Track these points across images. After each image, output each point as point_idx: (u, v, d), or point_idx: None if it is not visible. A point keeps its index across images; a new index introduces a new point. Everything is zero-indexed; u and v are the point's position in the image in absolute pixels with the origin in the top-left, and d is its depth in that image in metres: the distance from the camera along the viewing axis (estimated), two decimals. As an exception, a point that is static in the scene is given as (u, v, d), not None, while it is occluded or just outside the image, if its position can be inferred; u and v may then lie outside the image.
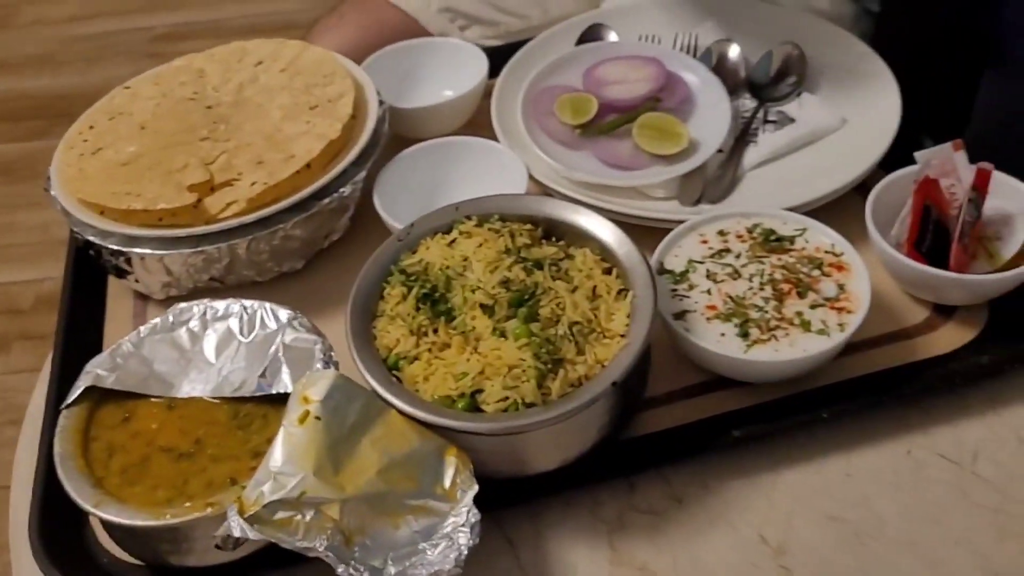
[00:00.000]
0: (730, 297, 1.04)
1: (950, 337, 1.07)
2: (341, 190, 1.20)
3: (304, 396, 0.89)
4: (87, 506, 0.89)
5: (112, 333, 1.19)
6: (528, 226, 1.05)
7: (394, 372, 0.96)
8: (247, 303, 1.02)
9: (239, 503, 0.83)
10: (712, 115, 1.29)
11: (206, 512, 0.86)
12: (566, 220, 1.06)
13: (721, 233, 1.11)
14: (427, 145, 1.29)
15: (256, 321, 1.01)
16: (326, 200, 1.19)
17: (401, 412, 0.91)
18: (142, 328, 1.02)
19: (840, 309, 1.01)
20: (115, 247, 1.16)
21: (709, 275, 1.06)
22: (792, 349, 0.99)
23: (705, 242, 1.10)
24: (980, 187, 1.07)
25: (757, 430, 1.00)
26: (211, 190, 1.16)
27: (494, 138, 1.30)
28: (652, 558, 0.94)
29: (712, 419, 1.02)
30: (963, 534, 0.93)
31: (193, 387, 0.99)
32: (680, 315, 1.03)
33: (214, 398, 0.98)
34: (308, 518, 0.83)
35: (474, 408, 0.92)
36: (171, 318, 1.03)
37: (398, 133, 1.35)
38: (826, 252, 1.07)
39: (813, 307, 1.01)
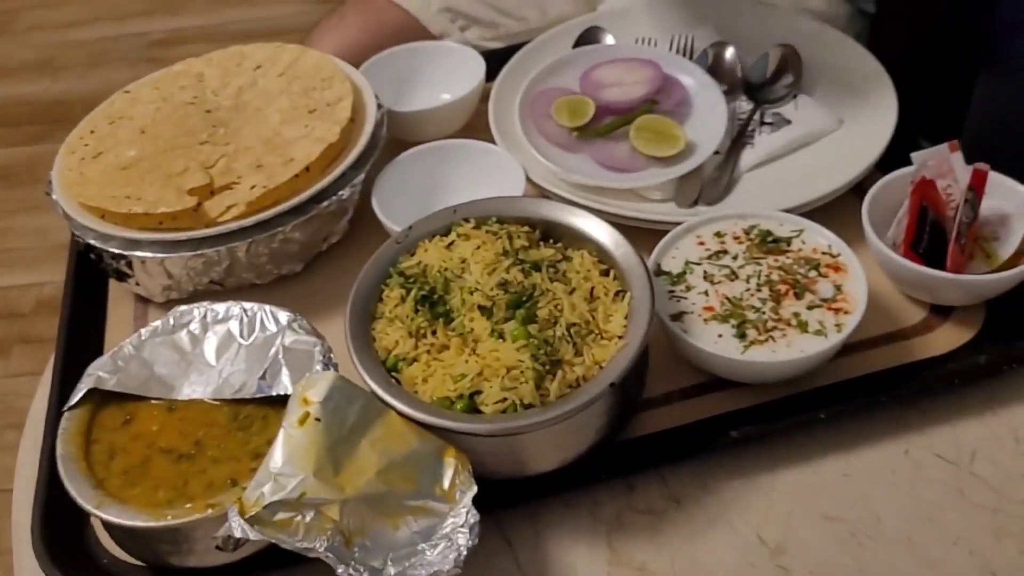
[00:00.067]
0: (727, 298, 1.04)
1: (947, 337, 1.08)
2: (340, 193, 1.20)
3: (304, 397, 0.90)
4: (89, 507, 0.89)
5: (113, 336, 1.20)
6: (526, 228, 1.06)
7: (393, 374, 0.96)
8: (247, 306, 1.03)
9: (240, 504, 0.83)
10: (709, 117, 1.30)
11: (207, 513, 0.87)
12: (564, 222, 1.06)
13: (718, 235, 1.11)
14: (425, 148, 1.29)
15: (256, 323, 1.02)
16: (325, 203, 1.19)
17: (400, 413, 0.92)
18: (143, 331, 1.03)
19: (837, 310, 1.01)
20: (116, 250, 1.16)
21: (706, 276, 1.06)
22: (789, 350, 0.99)
23: (702, 244, 1.10)
24: (977, 187, 1.08)
25: (755, 431, 1.00)
26: (211, 193, 1.17)
27: (491, 141, 1.30)
28: (651, 558, 0.94)
29: (710, 420, 1.02)
30: (961, 534, 0.94)
31: (193, 389, 0.99)
32: (677, 316, 1.03)
33: (214, 400, 0.98)
34: (308, 519, 0.84)
35: (473, 409, 0.92)
36: (172, 321, 1.03)
37: (396, 136, 1.35)
38: (823, 253, 1.07)
39: (810, 308, 1.02)
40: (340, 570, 0.82)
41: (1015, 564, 0.91)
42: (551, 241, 1.06)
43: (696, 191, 1.23)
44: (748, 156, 1.28)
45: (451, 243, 1.05)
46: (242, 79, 1.34)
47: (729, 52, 1.40)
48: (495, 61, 1.42)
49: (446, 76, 1.43)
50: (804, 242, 1.08)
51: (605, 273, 1.02)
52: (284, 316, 1.02)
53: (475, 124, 1.37)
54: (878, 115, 1.27)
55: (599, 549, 0.95)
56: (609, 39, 1.47)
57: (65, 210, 1.20)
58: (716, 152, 1.27)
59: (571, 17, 1.53)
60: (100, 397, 0.99)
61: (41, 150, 3.37)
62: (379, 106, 1.30)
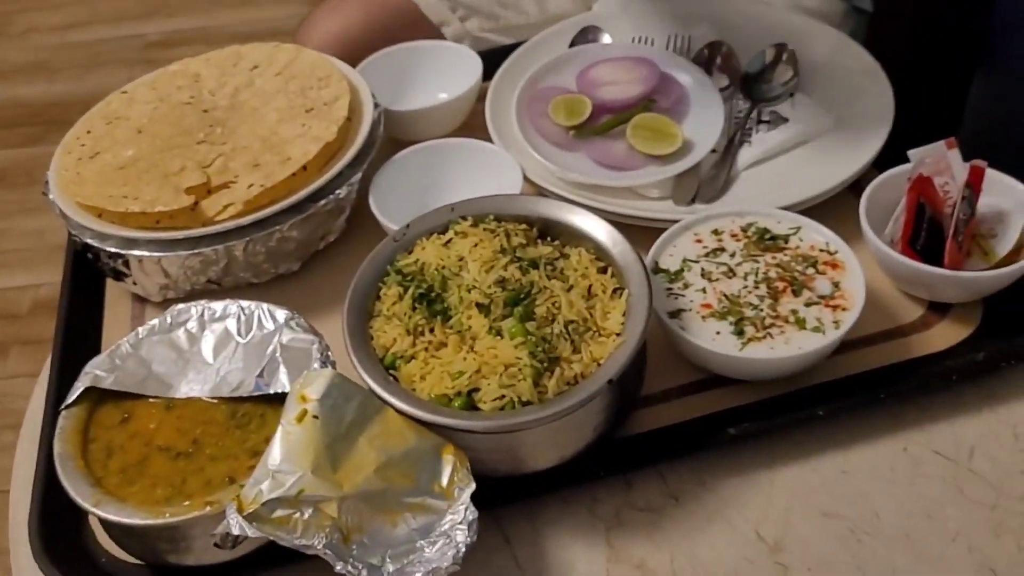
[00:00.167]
0: (725, 295, 1.04)
1: (945, 334, 1.08)
2: (337, 192, 1.20)
3: (302, 395, 0.90)
4: (87, 505, 0.89)
5: (110, 336, 1.20)
6: (523, 226, 1.06)
7: (391, 371, 0.96)
8: (245, 304, 1.03)
9: (238, 501, 0.83)
10: (706, 115, 1.30)
11: (205, 511, 0.86)
12: (561, 220, 1.06)
13: (715, 232, 1.11)
14: (422, 147, 1.29)
15: (254, 322, 1.02)
16: (322, 202, 1.19)
17: (398, 411, 0.92)
18: (140, 329, 1.03)
19: (835, 307, 1.01)
20: (113, 249, 1.16)
21: (704, 274, 1.06)
22: (787, 347, 0.99)
23: (700, 241, 1.10)
24: (974, 184, 1.08)
25: (753, 428, 1.00)
26: (208, 193, 1.17)
27: (489, 140, 1.30)
28: (649, 555, 0.94)
29: (708, 417, 1.02)
30: (960, 530, 0.94)
31: (191, 387, 0.99)
32: (675, 314, 1.03)
33: (212, 398, 0.98)
34: (306, 516, 0.84)
35: (471, 406, 0.92)
36: (169, 319, 1.03)
37: (393, 135, 1.35)
38: (820, 250, 1.07)
39: (808, 305, 1.02)
40: (338, 567, 0.82)
41: (1014, 560, 0.91)
42: (548, 239, 1.06)
43: (693, 189, 1.23)
44: (745, 154, 1.28)
45: (449, 241, 1.05)
46: (239, 79, 1.34)
47: (726, 51, 1.40)
48: (492, 60, 1.42)
49: (443, 75, 1.43)
50: (802, 239, 1.08)
51: (603, 271, 1.02)
52: (282, 314, 1.02)
53: (472, 123, 1.37)
54: (875, 113, 1.27)
55: (598, 546, 0.95)
56: (606, 38, 1.47)
57: (62, 209, 1.19)
58: (713, 150, 1.27)
59: (569, 13, 1.54)
60: (98, 396, 0.98)
61: (38, 152, 3.36)
62: (376, 105, 1.30)
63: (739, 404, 1.03)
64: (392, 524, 0.87)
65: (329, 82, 1.30)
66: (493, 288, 0.98)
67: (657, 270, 1.07)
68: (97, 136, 1.27)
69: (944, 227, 1.07)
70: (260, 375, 0.98)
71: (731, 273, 1.06)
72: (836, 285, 1.03)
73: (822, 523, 0.95)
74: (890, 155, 1.18)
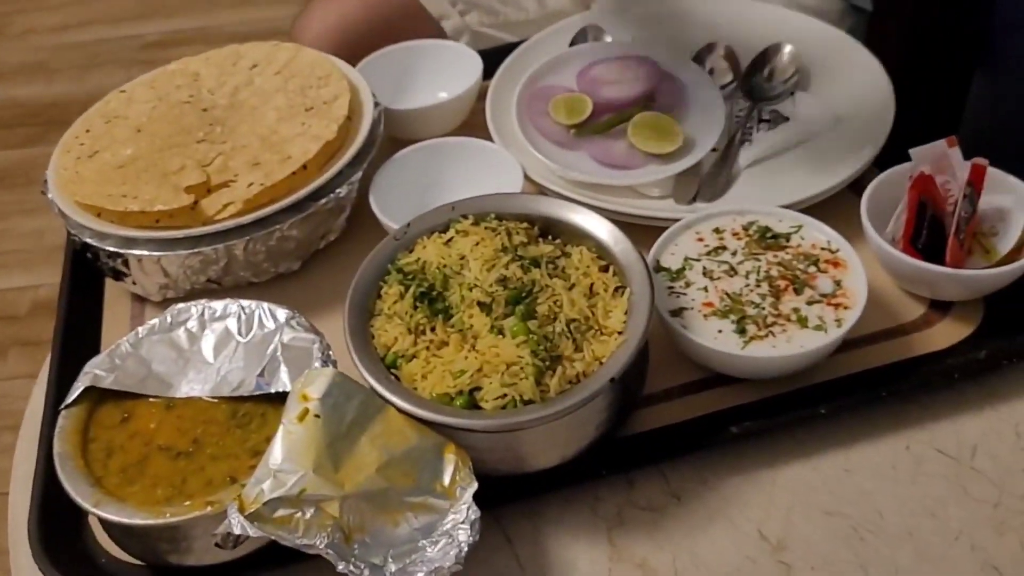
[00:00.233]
0: (727, 294, 1.04)
1: (947, 333, 1.07)
2: (337, 191, 1.20)
3: (303, 394, 0.89)
4: (87, 505, 0.89)
5: (109, 336, 1.20)
6: (525, 225, 1.06)
7: (392, 370, 0.96)
8: (245, 303, 1.03)
9: (239, 501, 0.83)
10: (706, 114, 1.30)
11: (206, 510, 0.86)
12: (562, 218, 1.06)
13: (717, 231, 1.11)
14: (422, 146, 1.29)
15: (254, 321, 1.01)
16: (322, 201, 1.19)
17: (400, 410, 0.91)
18: (140, 329, 1.02)
19: (837, 305, 1.01)
20: (112, 249, 1.16)
21: (705, 272, 1.06)
22: (789, 345, 0.99)
23: (701, 240, 1.10)
24: (975, 183, 1.07)
25: (755, 426, 1.00)
26: (208, 192, 1.17)
27: (489, 139, 1.30)
28: (651, 554, 0.94)
29: (710, 416, 1.02)
30: (962, 529, 0.93)
31: (192, 387, 0.99)
32: (677, 312, 1.03)
33: (213, 397, 0.98)
34: (308, 515, 0.83)
35: (472, 405, 0.92)
36: (169, 319, 1.03)
37: (393, 135, 1.35)
38: (822, 249, 1.07)
39: (810, 303, 1.02)
40: (340, 567, 0.82)
41: (1017, 558, 0.91)
42: (550, 237, 1.06)
43: (694, 188, 1.22)
44: (746, 153, 1.28)
45: (450, 240, 1.05)
46: (238, 78, 1.34)
47: (726, 49, 1.40)
48: (492, 59, 1.42)
49: (443, 74, 1.43)
50: (803, 238, 1.08)
51: (604, 269, 1.02)
52: (282, 313, 1.01)
53: (472, 122, 1.37)
54: (876, 112, 1.27)
55: (600, 545, 0.95)
56: (606, 37, 1.47)
57: (61, 209, 1.19)
58: (714, 149, 1.27)
59: (568, 11, 1.54)
60: (97, 395, 0.98)
61: (36, 152, 3.36)
62: (376, 104, 1.30)
63: (741, 403, 1.02)
64: (394, 524, 0.87)
65: (329, 81, 1.30)
66: (495, 287, 0.98)
67: (659, 269, 1.07)
68: (96, 135, 1.27)
69: (945, 225, 1.07)
70: (261, 374, 0.98)
71: (733, 272, 1.06)
72: (838, 284, 1.03)
73: (824, 522, 0.95)
74: (891, 154, 1.17)
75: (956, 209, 1.07)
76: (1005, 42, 1.43)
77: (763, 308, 1.02)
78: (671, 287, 1.05)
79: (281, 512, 0.83)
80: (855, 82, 1.33)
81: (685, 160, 1.24)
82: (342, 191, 1.20)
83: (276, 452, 0.86)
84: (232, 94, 1.31)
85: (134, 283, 1.20)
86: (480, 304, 0.97)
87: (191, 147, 1.22)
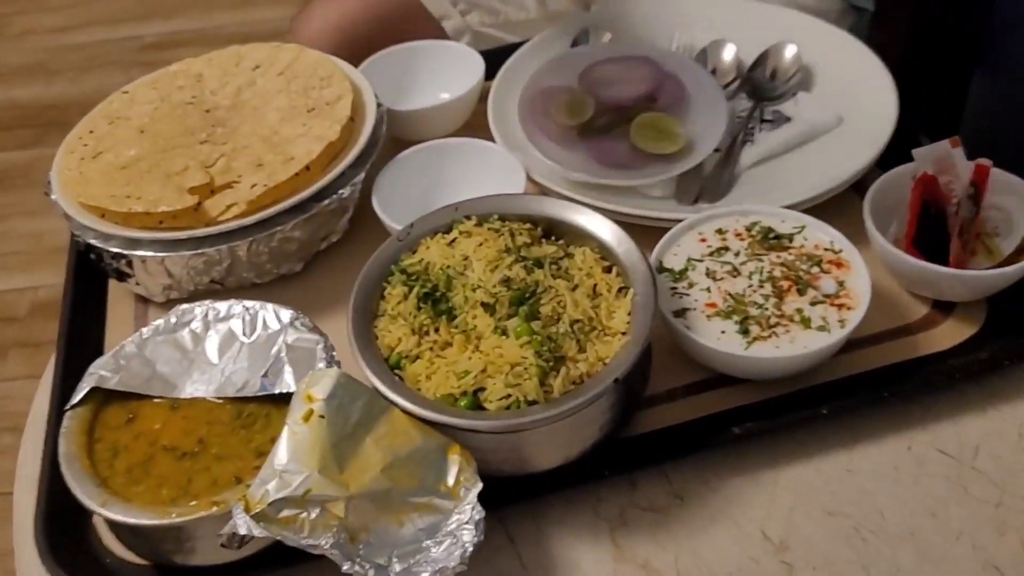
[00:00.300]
0: (730, 295, 1.04)
1: (950, 333, 1.08)
2: (340, 192, 1.20)
3: (308, 395, 0.90)
4: (93, 505, 0.89)
5: (113, 336, 1.19)
6: (528, 225, 1.06)
7: (396, 371, 0.96)
8: (249, 304, 1.03)
9: (245, 501, 0.83)
10: (709, 115, 1.30)
11: (211, 511, 0.86)
12: (565, 219, 1.06)
13: (719, 231, 1.11)
14: (425, 147, 1.29)
15: (258, 322, 1.02)
16: (325, 202, 1.19)
17: (404, 411, 0.91)
18: (144, 330, 1.03)
19: (840, 306, 1.01)
20: (116, 250, 1.16)
21: (708, 273, 1.06)
22: (792, 346, 0.99)
23: (704, 240, 1.10)
24: (979, 183, 1.08)
25: (758, 427, 1.00)
26: (211, 193, 1.17)
27: (491, 140, 1.30)
28: (654, 555, 0.94)
29: (713, 416, 1.02)
30: (964, 529, 0.94)
31: (196, 388, 0.99)
32: (680, 313, 1.03)
33: (217, 398, 0.98)
34: (313, 516, 0.84)
35: (476, 406, 0.92)
36: (173, 319, 1.03)
37: (396, 135, 1.35)
38: (825, 249, 1.07)
39: (813, 304, 1.02)
40: (345, 567, 0.82)
41: (1018, 558, 0.91)
42: (553, 238, 1.06)
43: (697, 188, 1.23)
44: (749, 153, 1.28)
45: (453, 240, 1.05)
46: (241, 79, 1.34)
47: (728, 50, 1.40)
48: (494, 60, 1.42)
49: (445, 75, 1.43)
50: (806, 238, 1.08)
51: (607, 270, 1.02)
52: (286, 314, 1.02)
53: (474, 123, 1.37)
54: (878, 112, 1.27)
55: (603, 546, 0.95)
56: (608, 37, 1.47)
57: (65, 210, 1.19)
58: (716, 150, 1.27)
59: (569, 10, 1.53)
60: (102, 396, 0.98)
61: (35, 154, 3.36)
62: (379, 105, 1.30)
63: (744, 403, 1.03)
64: (398, 524, 0.87)
65: (331, 82, 1.30)
66: (498, 287, 0.98)
67: (661, 269, 1.07)
68: (99, 136, 1.27)
69: (949, 226, 1.08)
70: (265, 375, 0.98)
71: (736, 272, 1.06)
72: (841, 284, 1.03)
73: (826, 522, 0.95)
74: (894, 154, 1.18)
75: (959, 210, 1.07)
76: (1005, 42, 1.44)
77: (766, 309, 1.02)
78: (674, 288, 1.05)
79: (286, 512, 0.83)
80: (858, 82, 1.34)
81: (687, 160, 1.24)
82: (345, 192, 1.20)
83: (281, 453, 0.86)
84: (235, 95, 1.31)
85: (138, 284, 1.20)
86: (484, 305, 0.97)
87: (194, 148, 1.22)
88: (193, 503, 0.88)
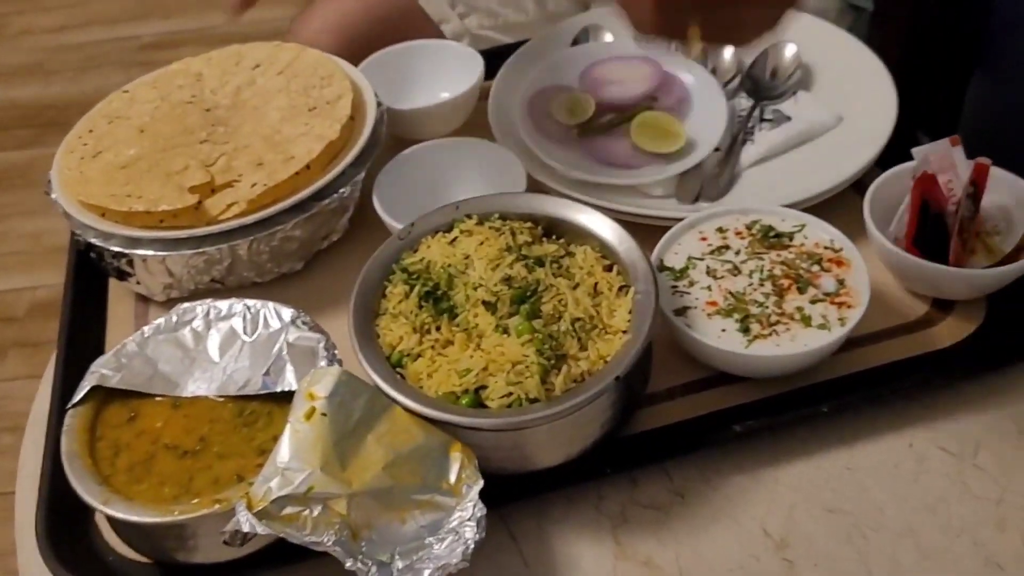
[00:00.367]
0: (730, 293, 1.04)
1: (949, 331, 1.08)
2: (341, 191, 1.20)
3: (310, 392, 0.90)
4: (95, 503, 0.89)
5: (114, 336, 1.20)
6: (529, 224, 1.06)
7: (398, 369, 0.96)
8: (250, 302, 1.03)
9: (247, 499, 0.83)
10: (709, 114, 1.30)
11: (214, 508, 0.86)
12: (566, 218, 1.06)
13: (720, 230, 1.11)
14: (425, 146, 1.29)
15: (259, 320, 1.02)
16: (326, 201, 1.19)
17: (406, 408, 0.92)
18: (146, 328, 1.03)
19: (840, 304, 1.01)
20: (117, 249, 1.16)
21: (709, 272, 1.07)
22: (793, 344, 0.99)
23: (704, 239, 1.10)
24: (978, 182, 1.08)
25: (758, 425, 1.00)
26: (211, 192, 1.17)
27: (492, 139, 1.30)
28: (656, 552, 0.94)
29: (713, 414, 1.02)
30: (964, 526, 0.94)
31: (198, 386, 0.99)
32: (681, 311, 1.03)
33: (219, 396, 0.98)
34: (316, 513, 0.84)
35: (478, 404, 0.92)
36: (175, 318, 1.03)
37: (396, 134, 1.35)
38: (825, 248, 1.07)
39: (813, 302, 1.02)
40: (348, 564, 0.83)
41: (1019, 555, 0.92)
42: (554, 237, 1.06)
43: (697, 187, 1.23)
44: (749, 152, 1.28)
45: (454, 239, 1.05)
46: (241, 78, 1.34)
47: (728, 49, 1.40)
48: (494, 59, 1.42)
49: (445, 74, 1.43)
50: (806, 237, 1.09)
51: (608, 268, 1.02)
52: (287, 313, 1.02)
53: (475, 122, 1.37)
54: (878, 111, 1.27)
55: (604, 543, 0.95)
56: (608, 37, 1.47)
57: (65, 209, 1.19)
58: (717, 149, 1.27)
59: (568, 12, 1.54)
60: (104, 395, 0.98)
61: (34, 154, 3.37)
62: (379, 104, 1.30)
63: (744, 402, 1.03)
64: (401, 521, 0.87)
65: (331, 81, 1.30)
66: (499, 286, 0.98)
67: (662, 268, 1.08)
68: (99, 135, 1.27)
69: (948, 224, 1.08)
70: (267, 373, 0.98)
71: (736, 271, 1.06)
72: (841, 282, 1.03)
73: (827, 519, 0.95)
74: (893, 153, 1.18)
75: (959, 208, 1.07)
76: (1005, 41, 1.44)
77: (767, 307, 1.02)
78: (675, 286, 1.06)
79: (289, 510, 0.84)
80: (857, 81, 1.34)
81: (688, 159, 1.24)
82: (345, 191, 1.21)
83: (283, 450, 0.86)
84: (235, 94, 1.31)
85: (138, 283, 1.20)
86: (485, 303, 0.98)
87: (194, 147, 1.22)
88: (195, 501, 0.88)
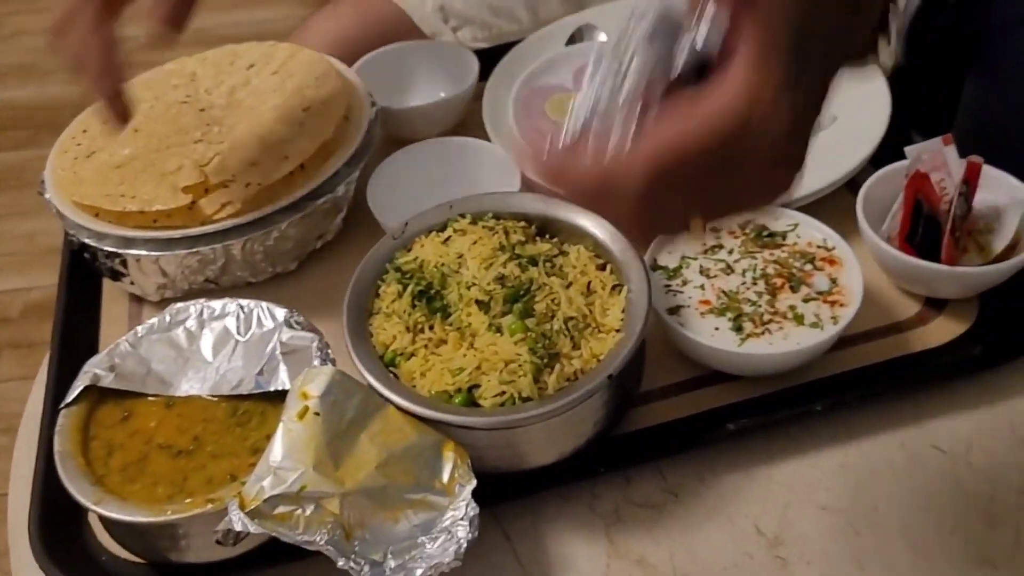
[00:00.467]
0: (723, 292, 1.04)
1: (942, 330, 1.08)
2: (335, 190, 1.20)
3: (303, 392, 0.90)
4: (88, 503, 0.89)
5: (107, 336, 1.20)
6: (522, 223, 1.06)
7: (391, 368, 0.96)
8: (244, 302, 1.03)
9: (240, 498, 0.83)
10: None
11: (207, 508, 0.86)
12: (560, 217, 1.06)
13: (714, 229, 1.11)
14: (419, 145, 1.29)
15: (253, 320, 1.02)
16: (320, 200, 1.19)
17: (399, 408, 0.92)
18: (139, 328, 1.02)
19: (833, 303, 1.02)
20: (111, 249, 1.16)
21: (702, 271, 1.07)
22: (786, 342, 0.99)
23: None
24: (971, 181, 1.08)
25: (751, 423, 1.00)
26: (205, 192, 1.17)
27: (486, 138, 1.30)
28: (649, 551, 0.95)
29: (707, 413, 1.02)
30: (957, 523, 0.94)
31: (191, 386, 0.99)
32: (674, 310, 1.03)
33: (212, 396, 0.98)
34: (308, 512, 0.84)
35: (471, 403, 0.92)
36: (168, 318, 1.03)
37: (390, 134, 1.35)
38: (818, 247, 1.07)
39: (806, 301, 1.02)
40: (341, 563, 0.83)
41: (1011, 552, 0.92)
42: (547, 236, 1.06)
43: (691, 186, 1.23)
44: (741, 152, 1.28)
45: (447, 239, 1.05)
46: (235, 78, 1.34)
47: (722, 49, 1.40)
48: (488, 59, 1.43)
49: (440, 74, 1.43)
50: (799, 236, 1.09)
51: (602, 267, 1.02)
52: (281, 312, 1.02)
53: (469, 121, 1.37)
54: (871, 110, 1.27)
55: (598, 542, 0.96)
56: (602, 37, 1.47)
57: (59, 209, 1.19)
58: (710, 148, 1.27)
59: (562, 18, 1.53)
60: (97, 394, 0.98)
61: (29, 155, 3.36)
62: (373, 104, 1.30)
63: (737, 400, 1.03)
64: (394, 520, 0.87)
65: (326, 81, 1.30)
66: (492, 285, 0.98)
67: (656, 267, 1.08)
68: (93, 135, 1.27)
69: (941, 223, 1.08)
70: (260, 373, 0.98)
71: (729, 270, 1.06)
72: (834, 281, 1.04)
73: (821, 517, 0.96)
74: (886, 152, 1.18)
75: (951, 207, 1.07)
76: (1003, 41, 1.44)
77: (760, 306, 1.02)
78: (668, 285, 1.06)
79: (281, 509, 0.84)
80: (851, 80, 1.33)
81: (681, 159, 1.24)
82: (340, 191, 1.21)
83: (276, 449, 0.86)
84: (229, 94, 1.31)
85: (132, 283, 1.20)
86: (478, 302, 0.98)
87: (188, 147, 1.22)
88: (188, 500, 0.88)
